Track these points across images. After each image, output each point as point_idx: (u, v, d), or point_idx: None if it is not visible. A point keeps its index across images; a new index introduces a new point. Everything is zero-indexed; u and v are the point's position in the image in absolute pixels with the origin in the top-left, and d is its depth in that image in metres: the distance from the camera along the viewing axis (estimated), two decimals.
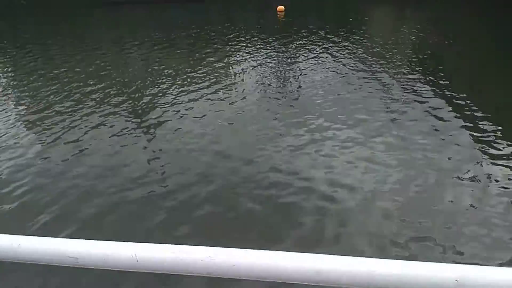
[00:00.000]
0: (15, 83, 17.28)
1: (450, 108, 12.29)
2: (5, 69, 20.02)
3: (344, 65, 17.75)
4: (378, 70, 16.81)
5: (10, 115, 13.11)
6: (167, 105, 13.37)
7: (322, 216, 7.07)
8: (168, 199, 7.75)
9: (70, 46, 23.59)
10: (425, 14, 30.60)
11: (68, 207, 7.61)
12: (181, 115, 12.39)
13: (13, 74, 18.79)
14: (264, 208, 7.36)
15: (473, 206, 7.22)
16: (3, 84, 17.16)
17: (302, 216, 7.05)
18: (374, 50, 20.28)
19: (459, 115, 11.64)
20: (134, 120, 12.09)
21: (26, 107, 13.91)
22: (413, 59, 18.39)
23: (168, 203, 7.63)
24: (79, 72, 18.03)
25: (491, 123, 10.88)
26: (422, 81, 15.19)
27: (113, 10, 37.54)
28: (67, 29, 30.40)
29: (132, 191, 8.02)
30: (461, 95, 13.47)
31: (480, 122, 11.01)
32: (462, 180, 8.07)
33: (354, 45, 21.20)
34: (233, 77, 16.61)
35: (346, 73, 16.45)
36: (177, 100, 13.88)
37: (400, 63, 17.81)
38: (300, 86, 15.09)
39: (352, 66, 17.45)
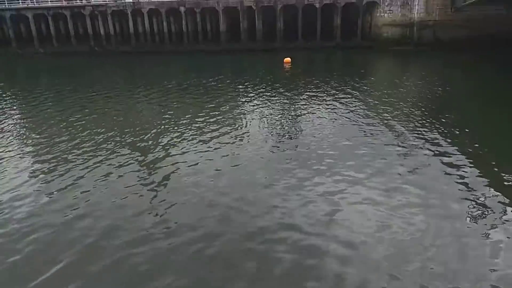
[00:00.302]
0: (27, 128, 17.67)
1: (463, 158, 12.27)
2: (19, 114, 20.57)
3: (352, 114, 18.00)
4: (386, 119, 17.00)
5: (19, 162, 13.31)
6: (176, 155, 13.51)
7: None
8: (175, 255, 7.60)
9: (86, 93, 24.34)
10: (429, 63, 31.44)
11: (72, 263, 7.49)
12: (190, 165, 12.47)
13: (26, 120, 19.26)
14: (274, 266, 7.17)
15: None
16: (15, 130, 17.56)
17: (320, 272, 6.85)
18: (381, 99, 20.63)
19: (471, 164, 11.60)
20: (143, 170, 12.18)
21: (36, 154, 14.12)
22: (420, 108, 18.62)
23: (174, 258, 7.48)
24: (91, 120, 18.49)
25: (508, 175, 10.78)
26: (432, 130, 15.31)
27: (127, 58, 39.03)
28: (83, 75, 31.55)
29: (138, 248, 7.90)
30: (469, 142, 13.53)
31: (495, 174, 10.93)
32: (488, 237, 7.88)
33: (361, 94, 21.61)
34: (242, 126, 16.87)
35: (354, 123, 16.65)
36: (186, 150, 14.04)
37: (408, 112, 18.01)
38: (309, 137, 15.23)
39: (360, 116, 17.68)
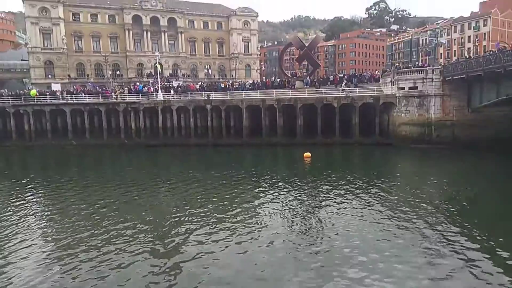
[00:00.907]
0: (51, 216, 17.98)
1: (490, 263, 11.55)
2: (47, 201, 21.11)
3: (371, 212, 17.65)
4: (407, 217, 16.55)
5: (40, 250, 13.31)
6: (194, 246, 13.29)
7: None
8: None
9: (111, 183, 25.08)
10: (448, 162, 31.36)
11: None
12: (208, 257, 12.17)
13: (52, 208, 19.69)
14: None
15: None
16: (36, 218, 17.89)
17: None
18: (401, 197, 20.31)
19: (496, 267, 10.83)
20: (160, 262, 11.92)
21: (56, 242, 14.16)
22: (442, 208, 18.12)
23: None
24: (114, 208, 18.78)
25: None
26: (455, 231, 14.71)
27: (154, 151, 40.74)
28: (111, 167, 32.84)
29: None
30: (494, 246, 12.79)
31: None
32: None
33: (381, 192, 21.39)
34: (261, 220, 16.70)
35: (374, 221, 16.24)
36: (204, 242, 13.83)
37: (429, 212, 17.50)
38: (329, 233, 14.85)
39: (380, 214, 17.30)
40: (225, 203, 19.54)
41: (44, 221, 17.35)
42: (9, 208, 19.57)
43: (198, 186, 23.92)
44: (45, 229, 16.17)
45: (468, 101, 36.61)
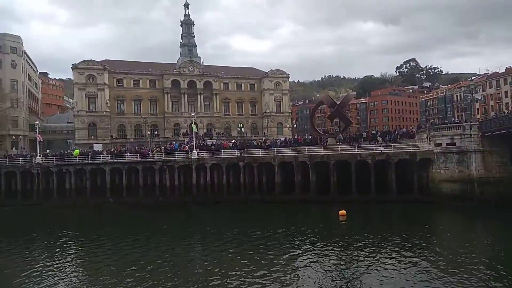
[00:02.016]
0: (77, 272, 18.02)
1: None
2: (78, 259, 21.29)
3: (413, 275, 16.45)
4: (451, 283, 15.24)
5: None
6: None
7: None
8: None
9: (143, 242, 25.12)
10: (494, 221, 29.22)
11: None
12: None
13: (80, 266, 19.79)
14: None
15: None
16: (64, 274, 17.96)
17: None
18: (444, 260, 18.87)
19: None
20: None
21: None
22: (485, 273, 16.59)
23: None
24: (142, 265, 18.63)
25: None
26: None
27: (188, 209, 40.90)
28: (144, 226, 33.10)
29: None
30: None
31: None
32: None
33: (422, 254, 20.03)
34: (295, 283, 15.92)
35: (416, 285, 15.07)
36: None
37: (471, 277, 16.02)
38: None
39: (421, 278, 16.07)
40: (259, 262, 18.91)
41: (78, 277, 17.39)
42: (41, 264, 19.86)
43: (231, 245, 23.45)
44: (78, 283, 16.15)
45: (511, 157, 35.00)
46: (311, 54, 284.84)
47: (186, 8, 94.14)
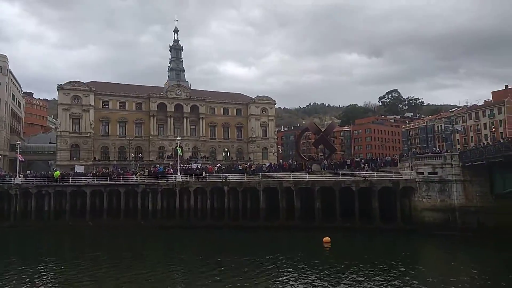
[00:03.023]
0: None
1: None
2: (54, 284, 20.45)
3: None
4: None
5: None
6: None
7: None
8: None
9: (123, 266, 24.40)
10: (475, 251, 29.51)
11: None
12: None
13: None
14: None
15: None
16: None
17: None
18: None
19: None
20: None
21: None
22: None
23: None
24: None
25: None
26: None
27: (170, 232, 40.05)
28: (124, 249, 32.25)
29: None
30: None
31: None
32: None
33: (406, 282, 19.99)
34: None
35: None
36: None
37: None
38: None
39: None
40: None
41: None
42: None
43: (214, 271, 22.98)
44: None
45: (490, 187, 35.76)
46: (298, 82, 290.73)
47: (176, 34, 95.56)
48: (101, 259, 27.08)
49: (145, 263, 25.65)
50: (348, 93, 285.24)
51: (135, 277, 21.74)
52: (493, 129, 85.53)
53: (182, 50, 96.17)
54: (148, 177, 48.22)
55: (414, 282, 20.31)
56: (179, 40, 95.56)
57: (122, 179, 47.74)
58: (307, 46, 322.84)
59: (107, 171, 54.63)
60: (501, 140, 42.01)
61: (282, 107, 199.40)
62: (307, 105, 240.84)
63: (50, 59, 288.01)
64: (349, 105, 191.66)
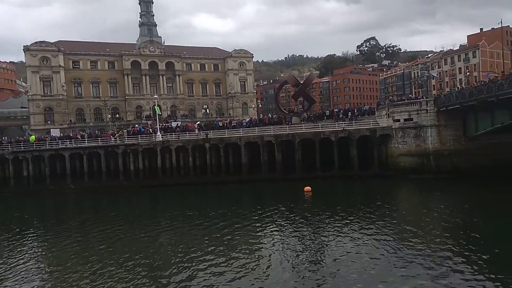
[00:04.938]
0: (48, 263, 17.55)
1: None
2: (43, 250, 20.66)
3: (374, 244, 17.32)
4: (411, 249, 16.25)
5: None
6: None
7: None
8: None
9: (108, 226, 24.69)
10: (447, 191, 31.16)
11: None
12: None
13: (47, 252, 19.24)
14: None
15: None
16: (34, 267, 17.46)
17: None
18: (404, 229, 19.94)
19: None
20: None
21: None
22: (444, 237, 17.82)
23: None
24: (111, 251, 18.41)
25: None
26: (457, 260, 14.43)
27: (153, 191, 40.40)
28: (109, 209, 32.50)
29: None
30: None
31: None
32: None
33: (383, 225, 21.01)
34: (264, 258, 16.31)
35: (379, 254, 15.90)
36: (205, 283, 13.43)
37: (431, 245, 17.12)
38: (331, 268, 14.49)
39: (383, 246, 16.95)
40: (227, 242, 19.17)
41: (42, 269, 16.92)
42: (7, 258, 19.15)
43: (197, 226, 23.55)
44: (44, 277, 15.74)
45: (464, 130, 36.98)
46: (275, 33, 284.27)
47: None
48: (87, 222, 27.26)
49: (131, 224, 25.98)
50: (327, 43, 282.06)
51: (123, 238, 22.08)
52: (468, 74, 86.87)
53: (153, 3, 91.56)
54: (127, 137, 47.64)
55: (394, 222, 21.44)
56: None
57: (101, 141, 47.07)
58: None
59: (84, 133, 53.53)
60: (475, 84, 42.93)
61: (260, 61, 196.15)
62: (286, 58, 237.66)
63: (14, 19, 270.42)
64: (327, 56, 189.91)
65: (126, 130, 52.54)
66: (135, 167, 45.21)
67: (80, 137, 49.13)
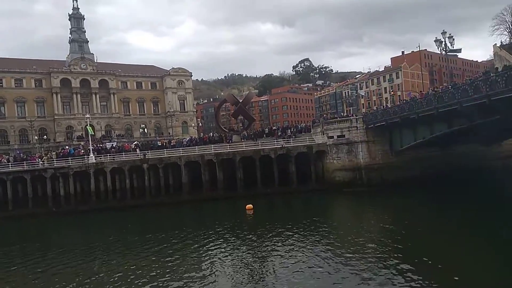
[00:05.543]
0: None
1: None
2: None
3: (316, 256, 17.95)
4: (349, 258, 17.09)
5: None
6: None
7: None
8: None
9: (35, 255, 22.79)
10: (377, 202, 33.39)
11: None
12: None
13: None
14: None
15: None
16: None
17: None
18: (343, 239, 21.00)
19: None
20: None
21: None
22: (381, 245, 19.01)
23: None
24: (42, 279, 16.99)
25: None
26: (394, 266, 15.45)
27: (85, 217, 37.96)
28: (35, 239, 30.00)
29: None
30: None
31: None
32: None
33: (322, 237, 21.92)
34: (208, 278, 16.13)
35: (318, 267, 16.49)
36: None
37: (370, 250, 18.23)
38: (270, 283, 14.74)
39: (323, 258, 17.62)
40: (167, 266, 18.61)
41: None
42: None
43: (137, 250, 22.60)
44: None
45: (390, 145, 39.95)
46: (214, 52, 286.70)
47: (75, 1, 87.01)
48: (10, 253, 24.89)
49: (59, 254, 24.10)
50: (264, 63, 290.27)
51: (47, 271, 20.49)
52: (392, 93, 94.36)
53: (84, 19, 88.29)
54: (56, 160, 44.60)
55: (331, 235, 22.36)
56: (79, 8, 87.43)
57: (27, 165, 43.57)
58: (221, 15, 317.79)
59: (7, 157, 49.20)
60: (399, 102, 46.78)
61: (200, 79, 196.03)
62: (225, 76, 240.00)
63: None
64: (265, 75, 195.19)
65: (55, 152, 49.20)
66: (66, 191, 42.20)
67: (5, 161, 45.08)
